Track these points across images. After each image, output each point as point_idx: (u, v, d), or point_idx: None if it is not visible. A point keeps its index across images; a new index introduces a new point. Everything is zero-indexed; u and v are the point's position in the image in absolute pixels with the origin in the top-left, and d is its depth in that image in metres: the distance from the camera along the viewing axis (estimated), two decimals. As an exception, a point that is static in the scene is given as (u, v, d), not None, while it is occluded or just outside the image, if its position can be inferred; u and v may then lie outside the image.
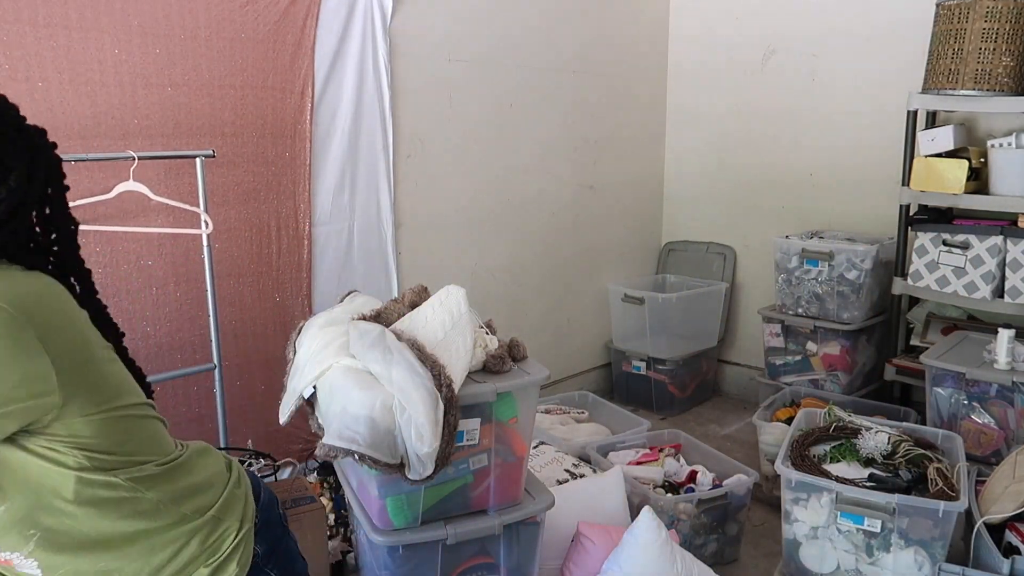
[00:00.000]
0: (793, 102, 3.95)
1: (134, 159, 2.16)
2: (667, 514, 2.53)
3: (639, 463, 2.88)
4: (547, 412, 3.36)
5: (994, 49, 2.94)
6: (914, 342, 3.49)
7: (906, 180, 3.25)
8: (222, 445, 2.42)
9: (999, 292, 3.05)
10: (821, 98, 3.86)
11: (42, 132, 1.15)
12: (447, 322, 1.92)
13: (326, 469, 2.67)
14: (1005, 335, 2.62)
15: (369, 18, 2.88)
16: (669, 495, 2.66)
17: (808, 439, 2.48)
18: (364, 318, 2.00)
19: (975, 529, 2.07)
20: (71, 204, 1.19)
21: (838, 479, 2.23)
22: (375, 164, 3.00)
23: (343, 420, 1.74)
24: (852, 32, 3.71)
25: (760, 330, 3.75)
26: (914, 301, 3.50)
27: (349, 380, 1.79)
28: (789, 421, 2.97)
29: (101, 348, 1.13)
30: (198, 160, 2.31)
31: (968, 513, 2.16)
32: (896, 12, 3.56)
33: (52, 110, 2.16)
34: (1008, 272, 3.01)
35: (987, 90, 2.97)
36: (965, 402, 2.68)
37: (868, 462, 2.38)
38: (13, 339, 0.97)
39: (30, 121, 1.12)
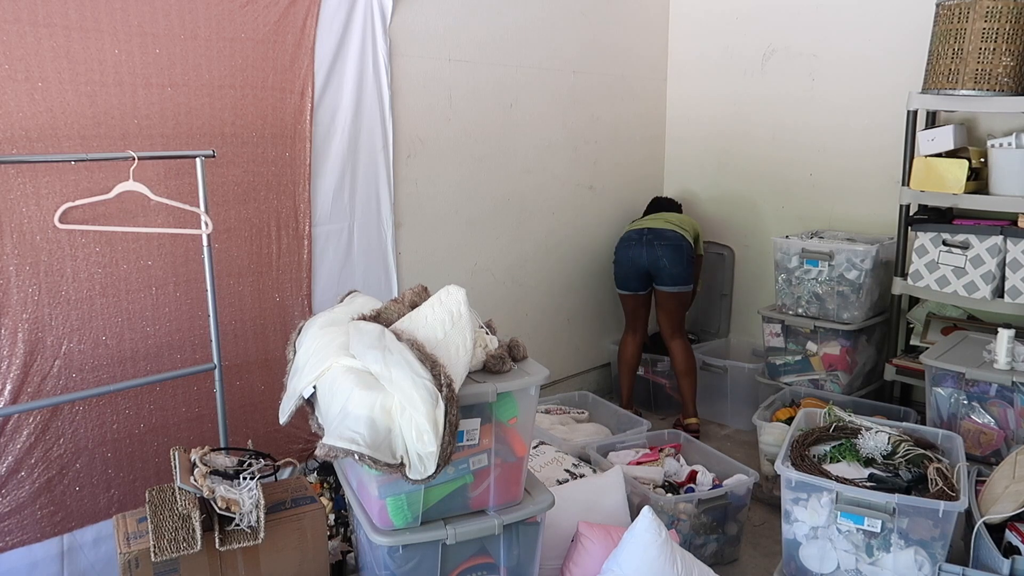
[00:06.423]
0: (793, 102, 3.95)
1: (134, 159, 2.16)
2: (667, 514, 2.53)
3: (639, 463, 2.88)
4: (547, 412, 3.36)
5: (994, 49, 2.94)
6: (914, 342, 3.49)
7: (906, 180, 3.25)
8: (222, 445, 2.42)
9: (999, 292, 3.05)
10: (821, 98, 3.86)
11: None
12: (447, 322, 1.92)
13: (326, 469, 2.67)
14: (1005, 335, 2.62)
15: (369, 18, 2.88)
16: (669, 495, 2.66)
17: (808, 439, 2.47)
18: (364, 318, 2.00)
19: (975, 529, 2.07)
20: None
21: (838, 479, 2.22)
22: (375, 164, 3.00)
23: (343, 420, 1.74)
24: (852, 32, 3.71)
25: (760, 330, 3.75)
26: (914, 301, 3.50)
27: (349, 380, 1.79)
28: (789, 421, 2.97)
29: None
30: (198, 160, 2.30)
31: (968, 513, 2.16)
32: (896, 12, 3.56)
33: (52, 110, 2.14)
34: (1008, 272, 3.01)
35: (987, 90, 2.97)
36: (965, 402, 2.68)
37: (868, 462, 2.38)
38: None
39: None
